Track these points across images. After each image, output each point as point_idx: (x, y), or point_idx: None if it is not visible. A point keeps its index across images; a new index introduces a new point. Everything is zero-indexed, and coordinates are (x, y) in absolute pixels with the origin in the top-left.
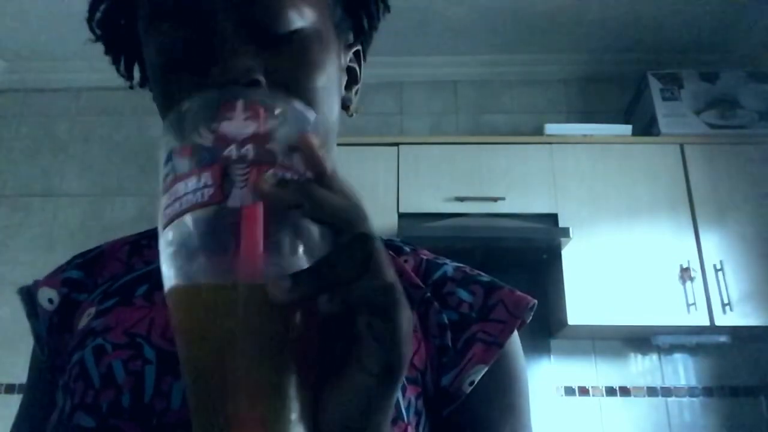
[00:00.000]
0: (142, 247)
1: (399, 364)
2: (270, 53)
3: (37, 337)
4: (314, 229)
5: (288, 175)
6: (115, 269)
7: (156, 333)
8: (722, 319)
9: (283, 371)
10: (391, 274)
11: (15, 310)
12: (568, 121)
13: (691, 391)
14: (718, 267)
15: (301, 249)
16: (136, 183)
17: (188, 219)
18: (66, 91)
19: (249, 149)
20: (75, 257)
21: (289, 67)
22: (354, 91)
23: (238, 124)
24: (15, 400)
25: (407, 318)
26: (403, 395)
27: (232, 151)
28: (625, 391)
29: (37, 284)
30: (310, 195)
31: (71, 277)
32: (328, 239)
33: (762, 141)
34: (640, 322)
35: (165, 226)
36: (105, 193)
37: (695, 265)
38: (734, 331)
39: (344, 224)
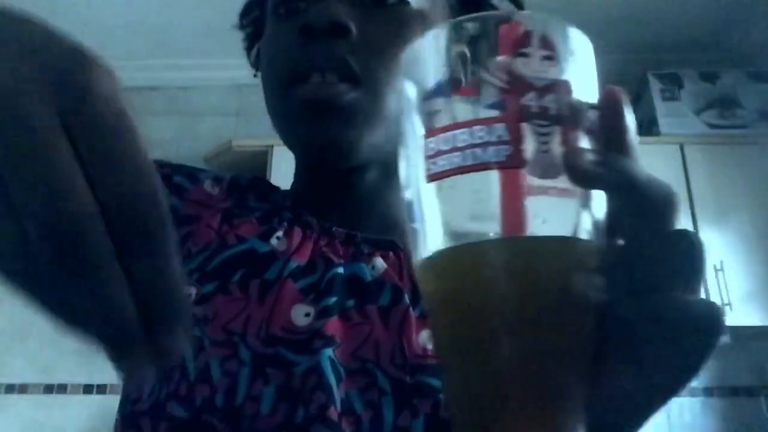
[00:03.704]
0: (232, 216)
1: (683, 386)
2: (364, 16)
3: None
4: (597, 205)
5: (588, 141)
6: (208, 237)
7: (252, 332)
8: None
9: (568, 365)
10: (701, 287)
11: (14, 310)
12: None
13: (691, 391)
14: (718, 267)
15: (585, 231)
16: None
17: (471, 177)
18: None
19: (551, 101)
20: (178, 171)
21: (376, 35)
22: None
23: (536, 65)
24: (15, 400)
25: (717, 343)
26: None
27: (532, 100)
28: None
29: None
30: (628, 175)
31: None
32: (633, 229)
33: (762, 141)
34: None
35: (432, 179)
36: None
37: None
38: (734, 331)
39: (658, 213)
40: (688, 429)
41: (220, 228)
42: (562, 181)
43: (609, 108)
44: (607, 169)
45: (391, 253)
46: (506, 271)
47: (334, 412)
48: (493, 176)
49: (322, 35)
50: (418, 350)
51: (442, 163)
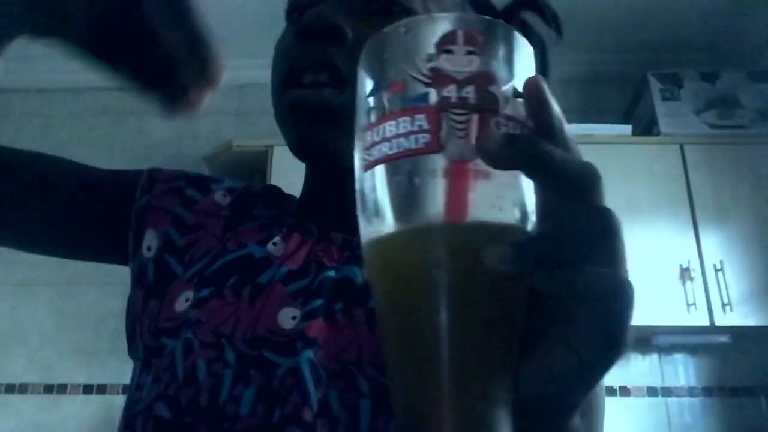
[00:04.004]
0: (237, 224)
1: (615, 357)
2: (365, 22)
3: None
4: (532, 192)
5: (511, 127)
6: (210, 245)
7: (239, 334)
8: (722, 319)
9: (496, 339)
10: (625, 262)
11: (14, 310)
12: (567, 120)
13: (691, 391)
14: (718, 267)
15: (515, 213)
16: None
17: (396, 164)
18: (66, 91)
19: (470, 91)
20: (192, 183)
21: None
22: None
23: (459, 60)
24: (15, 400)
25: (632, 316)
26: None
27: (451, 91)
28: (625, 391)
29: (154, 189)
30: (542, 154)
31: (170, 235)
32: (551, 204)
33: (762, 141)
34: (640, 322)
35: (366, 168)
36: None
37: (695, 265)
38: (734, 331)
39: (576, 190)
40: (688, 429)
41: (223, 235)
42: (473, 163)
43: (531, 95)
44: (516, 149)
45: None
46: (429, 255)
47: (308, 413)
48: (422, 163)
49: (317, 37)
50: None
51: (375, 153)
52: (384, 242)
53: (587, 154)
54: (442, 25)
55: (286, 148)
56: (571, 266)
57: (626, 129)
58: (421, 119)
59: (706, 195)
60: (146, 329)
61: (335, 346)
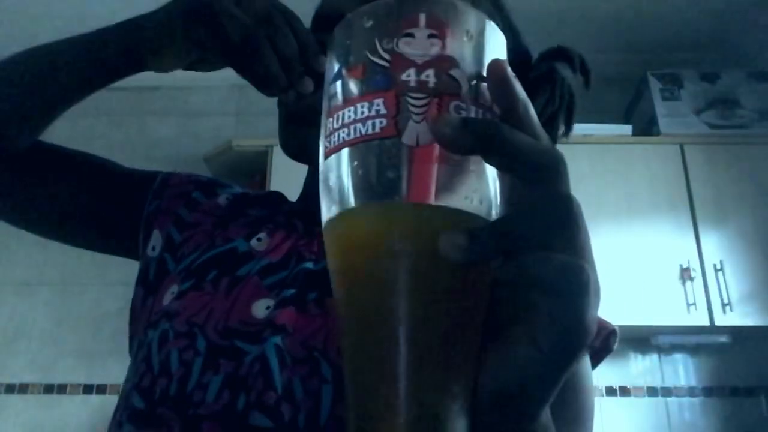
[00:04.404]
0: (227, 222)
1: (576, 348)
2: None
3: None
4: (495, 177)
5: (473, 111)
6: (200, 241)
7: (211, 324)
8: (722, 319)
9: (452, 331)
10: (587, 251)
11: (14, 310)
12: None
13: (691, 391)
14: (718, 267)
15: (476, 200)
16: None
17: (354, 150)
18: None
19: (430, 75)
20: (202, 186)
21: None
22: None
23: (419, 44)
24: (15, 400)
25: (595, 305)
26: None
27: (410, 75)
28: (625, 391)
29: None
30: (499, 138)
31: (170, 234)
32: (514, 192)
33: (762, 141)
34: (640, 322)
35: (327, 156)
36: None
37: (695, 265)
38: (734, 331)
39: (537, 176)
40: (688, 429)
41: (213, 231)
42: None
43: (494, 78)
44: (473, 132)
45: None
46: (382, 234)
47: (272, 396)
48: (380, 148)
49: (329, 25)
50: None
51: (334, 140)
52: (338, 221)
53: (587, 154)
54: (405, 8)
55: None
56: (529, 253)
57: (626, 129)
58: (379, 104)
59: (706, 195)
60: (142, 325)
61: (303, 333)
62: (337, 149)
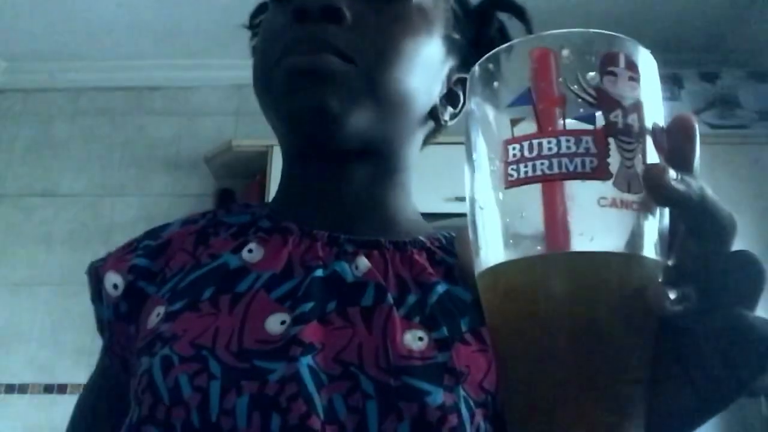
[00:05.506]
0: (208, 236)
1: (733, 398)
2: (365, 7)
3: (99, 321)
4: (666, 228)
5: (660, 159)
6: (183, 260)
7: (221, 345)
8: None
9: (630, 373)
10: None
11: (14, 310)
12: None
13: None
14: None
15: (659, 251)
16: (136, 183)
17: (555, 186)
18: (66, 91)
19: (635, 120)
20: (144, 237)
21: (373, 25)
22: (449, 113)
23: (622, 84)
24: (15, 400)
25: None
26: (471, 421)
27: (618, 117)
28: None
29: (105, 264)
30: (707, 198)
31: (138, 265)
32: (699, 250)
33: (762, 141)
34: None
35: (512, 185)
36: (105, 193)
37: None
38: None
39: (723, 237)
40: None
41: (195, 250)
42: (638, 196)
43: (683, 132)
44: (688, 189)
45: (375, 252)
46: (571, 285)
47: (316, 421)
48: (582, 189)
49: (314, 18)
50: (402, 351)
51: (525, 170)
52: (516, 269)
53: None
54: (597, 42)
55: None
56: (720, 308)
57: None
58: (588, 141)
59: None
60: (128, 349)
61: (333, 349)
62: (531, 181)
